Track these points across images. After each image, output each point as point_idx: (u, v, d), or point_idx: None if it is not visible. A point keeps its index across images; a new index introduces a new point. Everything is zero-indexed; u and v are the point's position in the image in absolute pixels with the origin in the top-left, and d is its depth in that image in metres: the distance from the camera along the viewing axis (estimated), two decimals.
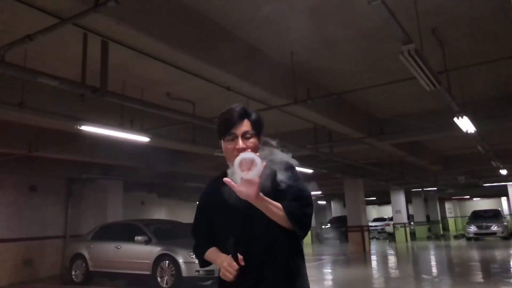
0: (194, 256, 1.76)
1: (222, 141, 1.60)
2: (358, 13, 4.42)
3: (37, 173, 10.50)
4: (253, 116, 1.61)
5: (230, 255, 1.52)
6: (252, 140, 1.57)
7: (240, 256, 1.50)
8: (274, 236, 1.54)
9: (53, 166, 10.15)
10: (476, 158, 12.24)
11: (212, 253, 1.66)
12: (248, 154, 1.41)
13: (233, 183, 1.39)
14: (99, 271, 9.42)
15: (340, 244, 20.41)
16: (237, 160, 1.39)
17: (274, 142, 1.65)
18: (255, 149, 1.55)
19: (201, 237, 1.74)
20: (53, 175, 11.18)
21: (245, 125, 1.56)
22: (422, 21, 4.14)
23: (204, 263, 1.73)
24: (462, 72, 5.61)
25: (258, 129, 1.60)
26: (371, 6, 2.85)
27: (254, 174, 1.37)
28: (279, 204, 1.48)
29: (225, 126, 1.56)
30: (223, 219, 1.62)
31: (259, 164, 1.37)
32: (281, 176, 1.55)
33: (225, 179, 1.41)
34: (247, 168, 1.38)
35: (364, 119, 8.15)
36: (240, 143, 1.52)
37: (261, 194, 1.43)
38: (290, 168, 1.60)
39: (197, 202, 1.81)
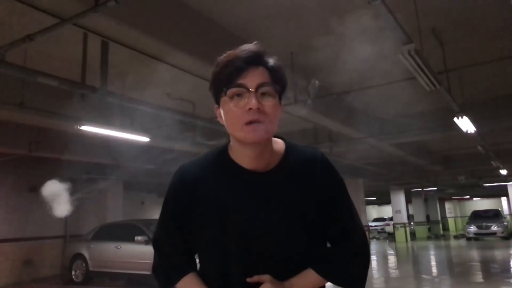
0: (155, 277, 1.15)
1: (219, 101, 1.03)
2: (358, 12, 4.41)
3: (37, 173, 10.50)
4: (273, 62, 1.02)
5: None
6: (271, 100, 0.99)
7: None
8: (303, 262, 1.05)
9: (53, 166, 10.15)
10: (476, 158, 12.23)
11: (192, 286, 1.07)
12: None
13: None
14: (99, 271, 9.42)
15: None
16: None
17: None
18: (274, 117, 1.00)
19: (171, 253, 1.12)
20: (53, 175, 11.17)
21: (262, 74, 0.99)
22: (422, 21, 4.14)
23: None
24: (462, 72, 5.61)
25: (281, 83, 1.03)
26: (371, 6, 2.85)
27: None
28: (312, 272, 1.03)
29: (228, 73, 0.98)
30: (214, 234, 1.04)
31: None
32: (320, 186, 1.07)
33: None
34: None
35: (364, 119, 8.15)
36: (254, 101, 0.96)
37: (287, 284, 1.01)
38: (333, 172, 1.14)
39: (165, 197, 1.15)
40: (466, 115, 5.86)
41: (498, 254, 13.60)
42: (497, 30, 4.99)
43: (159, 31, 3.86)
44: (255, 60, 1.00)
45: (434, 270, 10.63)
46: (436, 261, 12.77)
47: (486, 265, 10.82)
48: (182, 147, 8.65)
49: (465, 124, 6.15)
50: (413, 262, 12.92)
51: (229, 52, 1.02)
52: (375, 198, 27.42)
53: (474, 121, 6.16)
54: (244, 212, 1.01)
